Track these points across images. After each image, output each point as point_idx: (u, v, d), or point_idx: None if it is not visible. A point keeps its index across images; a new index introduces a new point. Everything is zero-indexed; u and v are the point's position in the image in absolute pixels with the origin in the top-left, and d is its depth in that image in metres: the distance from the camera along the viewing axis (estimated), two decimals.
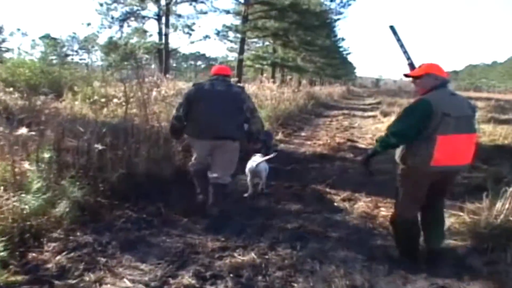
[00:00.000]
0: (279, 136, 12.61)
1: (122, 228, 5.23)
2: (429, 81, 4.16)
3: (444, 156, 3.95)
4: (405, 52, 4.67)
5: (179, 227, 5.42)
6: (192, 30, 27.82)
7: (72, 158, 6.21)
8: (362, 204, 6.49)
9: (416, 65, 4.51)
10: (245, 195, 6.80)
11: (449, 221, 5.43)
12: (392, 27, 4.81)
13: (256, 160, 6.83)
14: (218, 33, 29.58)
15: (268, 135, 9.44)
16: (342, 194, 6.96)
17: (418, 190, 4.26)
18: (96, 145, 6.20)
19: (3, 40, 79.55)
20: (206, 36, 28.68)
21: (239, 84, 7.52)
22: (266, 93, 17.53)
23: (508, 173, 7.74)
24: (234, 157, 5.92)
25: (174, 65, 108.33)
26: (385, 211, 6.16)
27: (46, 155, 5.85)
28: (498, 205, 5.16)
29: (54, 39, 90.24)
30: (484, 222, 5.11)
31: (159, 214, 5.76)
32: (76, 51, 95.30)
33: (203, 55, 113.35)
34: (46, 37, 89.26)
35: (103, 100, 10.20)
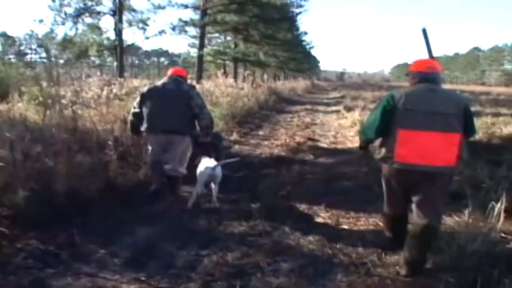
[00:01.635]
0: (234, 136, 11.61)
1: (20, 267, 4.18)
2: (411, 78, 4.21)
3: (409, 152, 3.90)
4: (431, 55, 4.70)
5: (92, 262, 4.34)
6: (147, 25, 26.39)
7: None
8: (321, 220, 5.50)
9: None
10: (189, 204, 6.01)
11: None
12: (424, 30, 4.81)
13: (210, 163, 6.22)
14: (173, 28, 28.13)
15: (217, 136, 8.59)
16: (298, 208, 5.97)
17: (392, 188, 4.25)
18: None
19: None
20: (162, 31, 27.22)
21: (190, 83, 7.35)
22: (222, 89, 16.54)
23: (486, 176, 6.84)
24: (185, 150, 6.47)
25: (137, 62, 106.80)
26: (347, 227, 5.21)
27: None
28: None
29: (11, 37, 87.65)
30: (468, 245, 4.17)
31: (71, 244, 4.69)
32: (35, 50, 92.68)
33: (166, 51, 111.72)
34: (2, 35, 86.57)
35: (49, 101, 9.23)
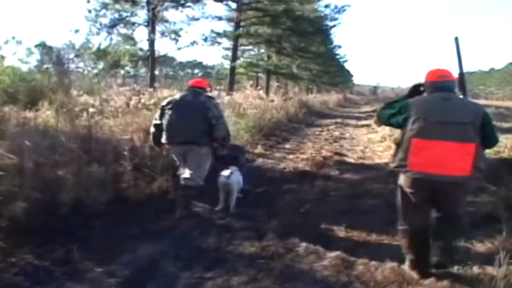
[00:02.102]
0: (258, 149, 11.21)
1: (8, 285, 3.88)
2: (426, 88, 4.17)
3: (422, 161, 3.86)
4: (460, 64, 4.50)
5: (87, 281, 4.04)
6: (179, 36, 26.37)
7: None
8: (339, 242, 5.02)
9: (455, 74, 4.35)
10: (216, 208, 6.28)
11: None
12: (456, 39, 4.60)
13: (226, 172, 6.40)
14: (206, 39, 28.06)
15: (239, 149, 8.26)
16: (316, 228, 5.49)
17: (408, 198, 4.12)
18: None
19: None
20: (194, 42, 27.17)
21: (209, 94, 7.05)
22: (250, 101, 16.23)
23: None
24: (203, 162, 6.28)
25: (171, 73, 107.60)
26: (368, 251, 4.73)
27: None
28: None
29: (49, 47, 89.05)
30: None
31: (68, 261, 4.40)
32: (72, 59, 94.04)
33: (200, 63, 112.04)
34: (41, 45, 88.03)
35: (77, 109, 9.18)
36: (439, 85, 4.03)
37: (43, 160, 6.03)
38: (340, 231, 5.37)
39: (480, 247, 4.62)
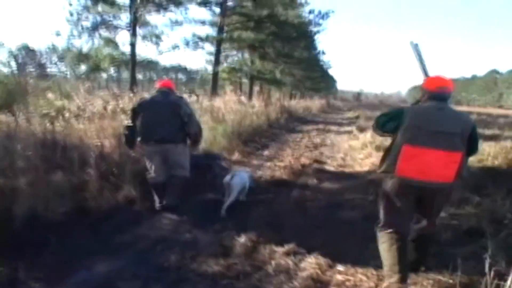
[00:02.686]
0: (236, 156, 10.78)
1: None
2: (422, 95, 4.24)
3: (410, 167, 3.94)
4: (424, 69, 4.59)
5: None
6: (160, 39, 25.98)
7: None
8: (312, 260, 4.59)
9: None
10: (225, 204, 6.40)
11: None
12: (412, 44, 4.70)
13: (236, 173, 6.81)
14: (187, 43, 27.66)
15: (215, 158, 8.08)
16: (288, 243, 5.04)
17: (392, 203, 4.14)
18: None
19: None
20: (176, 46, 26.77)
21: (177, 94, 7.19)
22: (230, 106, 15.88)
23: (506, 208, 6.01)
24: (183, 157, 6.56)
25: (155, 77, 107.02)
26: (343, 272, 4.36)
27: None
28: None
29: (32, 50, 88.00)
30: None
31: (11, 281, 3.98)
32: (55, 63, 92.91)
33: (185, 68, 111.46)
34: (24, 48, 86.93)
35: (53, 114, 8.83)
36: (436, 95, 4.09)
37: None
38: (315, 247, 4.95)
39: (464, 266, 4.26)
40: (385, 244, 4.15)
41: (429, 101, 4.11)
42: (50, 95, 14.19)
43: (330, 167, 10.46)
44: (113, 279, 4.14)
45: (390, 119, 4.18)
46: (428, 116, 3.98)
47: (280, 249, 4.88)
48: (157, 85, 6.82)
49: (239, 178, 6.69)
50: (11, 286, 3.90)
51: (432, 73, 4.48)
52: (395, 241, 4.08)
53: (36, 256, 4.50)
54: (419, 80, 4.39)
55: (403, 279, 3.97)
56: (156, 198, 6.43)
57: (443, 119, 3.96)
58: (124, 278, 4.15)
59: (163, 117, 6.31)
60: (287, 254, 4.77)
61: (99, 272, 4.27)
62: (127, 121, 6.65)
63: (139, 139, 6.43)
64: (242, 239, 5.16)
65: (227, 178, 6.61)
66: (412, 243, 4.30)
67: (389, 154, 4.13)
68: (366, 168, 9.66)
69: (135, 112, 6.46)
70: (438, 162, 3.90)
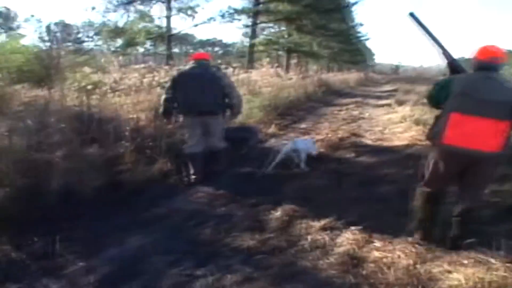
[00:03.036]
0: (272, 129, 10.69)
1: None
2: (473, 63, 4.13)
3: (457, 135, 3.97)
4: (433, 37, 4.59)
5: (64, 277, 3.66)
6: (195, 12, 25.84)
7: None
8: (349, 236, 4.44)
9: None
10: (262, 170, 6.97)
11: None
12: (412, 14, 4.75)
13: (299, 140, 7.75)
14: (223, 16, 27.46)
15: (251, 131, 8.14)
16: (324, 218, 4.90)
17: (439, 168, 4.21)
18: None
19: (18, 27, 78.69)
20: (211, 18, 26.61)
21: (215, 65, 7.89)
22: (266, 79, 15.72)
23: None
24: (220, 128, 6.76)
25: (191, 51, 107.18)
26: (380, 248, 4.20)
27: None
28: None
29: (68, 25, 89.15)
30: None
31: (47, 253, 3.98)
32: (92, 37, 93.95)
33: (220, 41, 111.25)
34: (61, 23, 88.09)
35: (89, 87, 8.89)
36: (486, 65, 4.02)
37: (35, 141, 5.68)
38: (351, 222, 4.80)
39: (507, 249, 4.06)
40: (420, 201, 4.39)
41: (478, 71, 4.06)
42: (86, 69, 14.33)
43: (368, 140, 10.23)
44: (146, 252, 4.09)
45: (441, 88, 4.19)
46: (476, 85, 3.95)
47: (316, 224, 4.75)
48: (193, 57, 6.84)
49: (303, 143, 7.45)
50: (46, 259, 3.91)
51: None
52: (430, 201, 4.31)
53: (71, 229, 4.50)
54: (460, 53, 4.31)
55: (427, 236, 4.28)
56: (191, 169, 6.45)
57: (491, 88, 3.92)
58: (157, 252, 4.10)
59: (205, 88, 6.36)
60: (323, 229, 4.64)
61: (133, 246, 4.25)
62: (166, 93, 6.64)
63: (180, 111, 6.60)
64: (278, 213, 5.07)
65: (290, 144, 7.37)
66: (454, 218, 4.24)
67: (438, 121, 4.18)
68: (404, 142, 9.39)
69: (175, 83, 6.53)
70: (485, 130, 3.91)
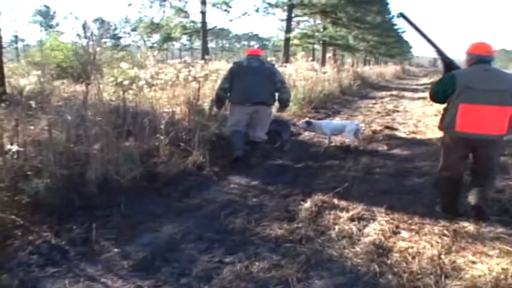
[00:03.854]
0: None
1: (21, 263, 3.75)
2: (467, 59, 4.75)
3: (468, 123, 4.49)
4: (424, 36, 5.23)
5: (100, 262, 3.81)
6: (230, 7, 25.96)
7: None
8: (376, 227, 4.55)
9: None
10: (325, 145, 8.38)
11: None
12: (401, 15, 5.32)
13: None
14: (257, 10, 27.52)
15: (284, 125, 8.57)
16: (353, 209, 5.03)
17: (451, 153, 4.80)
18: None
19: (57, 24, 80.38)
20: (245, 13, 26.73)
21: (269, 61, 8.64)
22: (302, 72, 15.74)
23: None
24: (267, 120, 7.47)
25: (227, 45, 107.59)
26: (407, 239, 4.28)
27: None
28: None
29: (106, 22, 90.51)
30: None
31: (85, 240, 4.19)
32: (129, 33, 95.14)
33: (256, 35, 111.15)
34: (98, 20, 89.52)
35: (126, 82, 9.12)
36: (483, 59, 4.59)
37: (74, 135, 5.90)
38: (380, 213, 4.90)
39: None
40: (443, 187, 4.98)
41: (476, 64, 4.60)
42: (123, 64, 14.59)
43: (402, 133, 10.24)
44: (178, 240, 4.25)
45: (445, 84, 4.67)
46: (476, 77, 4.49)
47: (344, 215, 4.83)
48: (249, 52, 7.64)
49: (353, 124, 8.40)
50: (84, 245, 4.09)
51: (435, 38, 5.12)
52: (451, 185, 4.82)
53: (107, 218, 4.68)
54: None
55: (450, 207, 4.83)
56: (234, 146, 7.06)
57: (491, 79, 4.48)
58: (189, 240, 4.25)
59: (261, 81, 7.05)
60: (351, 219, 4.73)
61: (165, 234, 4.39)
62: (223, 83, 7.32)
63: (232, 99, 7.24)
64: (307, 204, 5.16)
65: (352, 125, 8.36)
66: (474, 190, 4.73)
67: (447, 113, 4.69)
68: (438, 135, 9.35)
69: (232, 74, 7.20)
70: (492, 116, 4.44)
